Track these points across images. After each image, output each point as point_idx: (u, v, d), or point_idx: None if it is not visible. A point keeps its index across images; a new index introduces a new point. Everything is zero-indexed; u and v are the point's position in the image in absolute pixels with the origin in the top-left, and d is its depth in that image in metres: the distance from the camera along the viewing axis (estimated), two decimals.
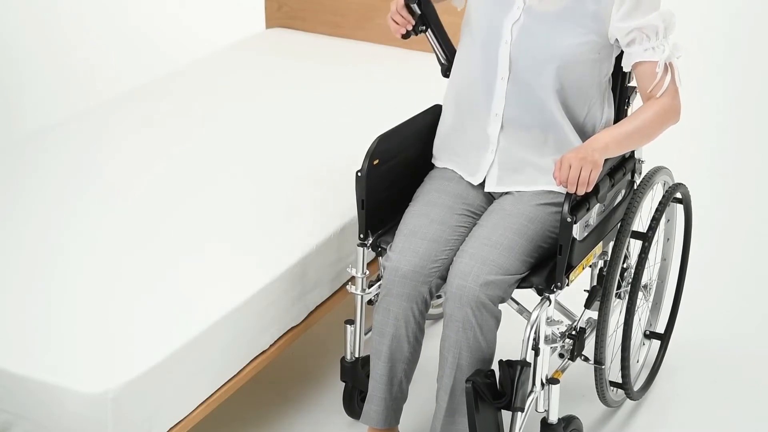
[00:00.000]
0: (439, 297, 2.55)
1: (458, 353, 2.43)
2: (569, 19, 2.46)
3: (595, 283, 2.80)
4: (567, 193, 2.36)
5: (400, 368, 2.55)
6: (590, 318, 2.75)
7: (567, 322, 2.68)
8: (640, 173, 2.76)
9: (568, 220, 2.36)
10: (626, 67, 2.50)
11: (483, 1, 2.56)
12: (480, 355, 2.44)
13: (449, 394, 2.47)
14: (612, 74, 2.60)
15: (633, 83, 2.66)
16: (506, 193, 2.58)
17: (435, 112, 2.75)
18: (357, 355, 2.76)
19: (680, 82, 2.47)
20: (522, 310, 2.67)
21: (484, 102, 2.55)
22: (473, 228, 2.53)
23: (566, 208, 2.36)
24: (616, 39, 2.47)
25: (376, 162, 2.75)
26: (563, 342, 2.57)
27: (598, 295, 2.67)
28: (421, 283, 2.47)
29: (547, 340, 2.47)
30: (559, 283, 2.43)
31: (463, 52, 2.61)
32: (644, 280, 2.86)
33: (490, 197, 2.63)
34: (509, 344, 2.70)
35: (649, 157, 2.81)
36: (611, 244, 2.68)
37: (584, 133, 2.54)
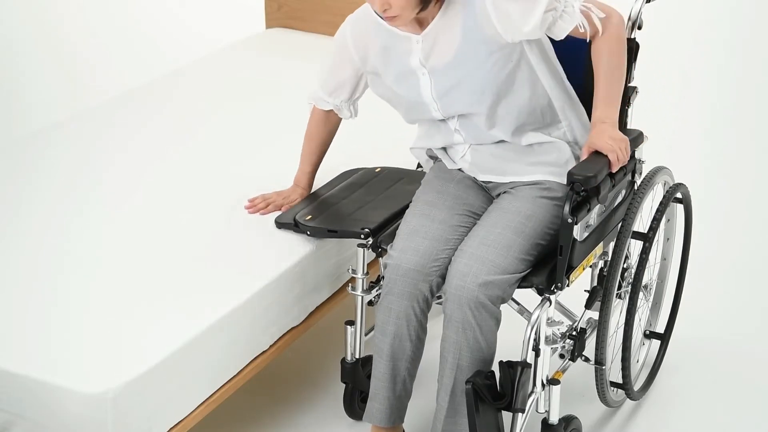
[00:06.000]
0: (439, 297, 2.55)
1: (458, 354, 2.43)
2: (468, 54, 2.46)
3: (595, 284, 2.80)
4: (568, 193, 2.36)
5: (403, 367, 2.55)
6: (591, 318, 2.75)
7: (567, 322, 2.68)
8: (641, 173, 2.76)
9: (569, 221, 2.36)
10: (558, 38, 2.49)
11: (392, 91, 2.59)
12: (480, 356, 2.44)
13: (450, 395, 2.47)
14: None
15: (632, 83, 2.66)
16: (504, 192, 2.58)
17: None
18: (357, 356, 2.76)
19: (600, 12, 2.44)
20: (522, 311, 2.67)
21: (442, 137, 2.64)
22: (475, 225, 2.53)
23: (567, 208, 2.36)
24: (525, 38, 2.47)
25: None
26: (564, 342, 2.57)
27: (599, 295, 2.67)
28: (422, 281, 2.47)
29: (547, 340, 2.47)
30: (559, 284, 2.43)
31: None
32: (644, 280, 2.86)
33: (490, 197, 2.63)
34: (510, 345, 2.69)
35: (649, 157, 2.81)
36: (612, 244, 2.68)
37: (554, 116, 2.56)
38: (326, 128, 2.81)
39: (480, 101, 2.49)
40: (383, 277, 2.53)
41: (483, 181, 2.63)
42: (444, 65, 2.49)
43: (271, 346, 2.61)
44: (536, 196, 2.53)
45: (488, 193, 2.64)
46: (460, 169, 2.65)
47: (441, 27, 2.46)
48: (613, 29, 2.46)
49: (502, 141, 2.56)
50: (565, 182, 2.49)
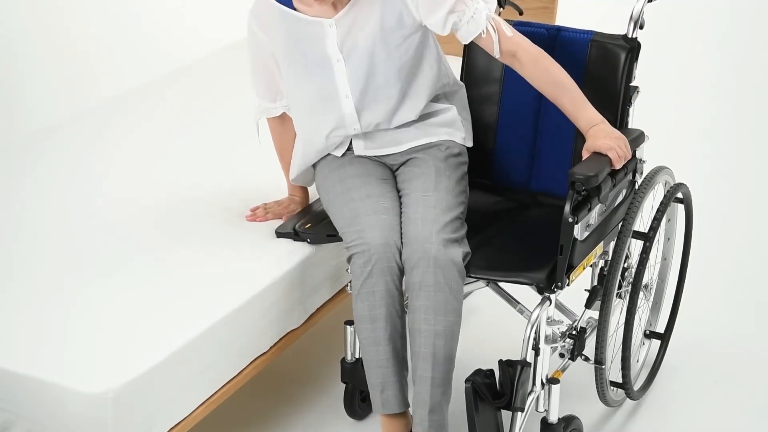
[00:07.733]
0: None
1: (432, 320, 2.41)
2: (386, 39, 2.47)
3: (595, 283, 2.80)
4: (569, 194, 2.36)
5: (400, 344, 2.52)
6: (591, 318, 2.75)
7: (567, 321, 2.67)
8: (641, 173, 2.76)
9: (570, 220, 2.36)
10: (464, 42, 2.51)
11: (301, 83, 2.58)
12: (453, 319, 2.42)
13: (432, 364, 2.42)
14: (610, 78, 2.60)
15: (634, 83, 2.66)
16: (409, 159, 2.61)
17: None
18: (357, 356, 2.75)
19: (510, 30, 2.47)
20: (522, 310, 2.67)
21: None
22: (403, 197, 2.55)
23: (568, 208, 2.36)
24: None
25: None
26: (564, 342, 2.57)
27: (599, 294, 2.67)
28: (390, 253, 2.45)
29: (547, 339, 2.47)
30: (559, 283, 2.43)
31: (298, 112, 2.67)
32: (645, 279, 2.86)
33: (385, 165, 2.66)
34: (510, 344, 2.70)
35: (650, 156, 2.81)
36: (612, 243, 2.68)
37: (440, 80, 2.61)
38: (289, 134, 2.77)
39: (396, 82, 2.51)
40: (354, 265, 2.50)
41: (376, 156, 2.65)
42: (361, 50, 2.48)
43: (271, 348, 2.61)
44: (446, 156, 2.58)
45: (381, 162, 2.66)
46: (344, 155, 2.66)
47: (358, 10, 2.46)
48: (528, 49, 2.48)
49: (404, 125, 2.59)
50: (457, 140, 2.61)
